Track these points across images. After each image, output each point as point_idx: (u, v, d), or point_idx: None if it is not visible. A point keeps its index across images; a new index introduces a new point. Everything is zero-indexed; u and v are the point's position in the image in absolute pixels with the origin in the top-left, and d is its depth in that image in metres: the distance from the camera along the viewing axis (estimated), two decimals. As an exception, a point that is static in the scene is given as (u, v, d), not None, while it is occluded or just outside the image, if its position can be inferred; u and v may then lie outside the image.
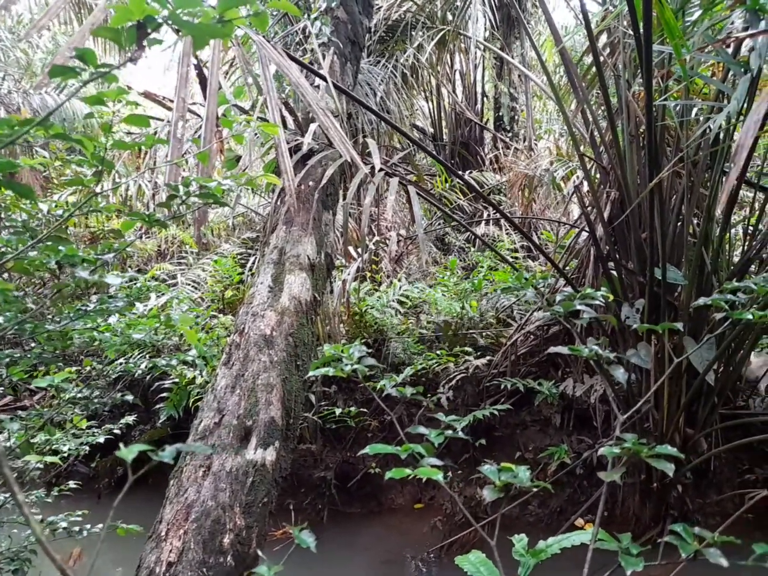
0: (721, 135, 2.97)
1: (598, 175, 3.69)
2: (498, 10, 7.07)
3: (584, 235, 3.79)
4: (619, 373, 1.25)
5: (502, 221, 5.80)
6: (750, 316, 1.10)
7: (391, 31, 6.70)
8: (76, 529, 2.00)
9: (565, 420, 3.25)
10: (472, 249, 5.50)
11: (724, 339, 2.63)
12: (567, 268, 3.90)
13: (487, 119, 8.16)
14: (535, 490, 1.14)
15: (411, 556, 2.77)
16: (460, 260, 5.47)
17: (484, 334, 3.85)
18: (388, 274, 4.87)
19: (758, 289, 1.14)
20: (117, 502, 0.66)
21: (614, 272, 3.29)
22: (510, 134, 7.48)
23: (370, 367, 1.60)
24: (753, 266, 3.25)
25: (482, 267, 4.37)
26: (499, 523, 1.77)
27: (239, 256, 5.17)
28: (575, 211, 5.61)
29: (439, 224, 6.03)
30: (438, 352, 3.54)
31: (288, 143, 3.27)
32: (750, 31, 1.75)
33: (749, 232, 3.22)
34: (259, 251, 3.06)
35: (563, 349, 1.26)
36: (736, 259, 3.45)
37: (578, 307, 1.31)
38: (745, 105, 2.96)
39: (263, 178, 2.11)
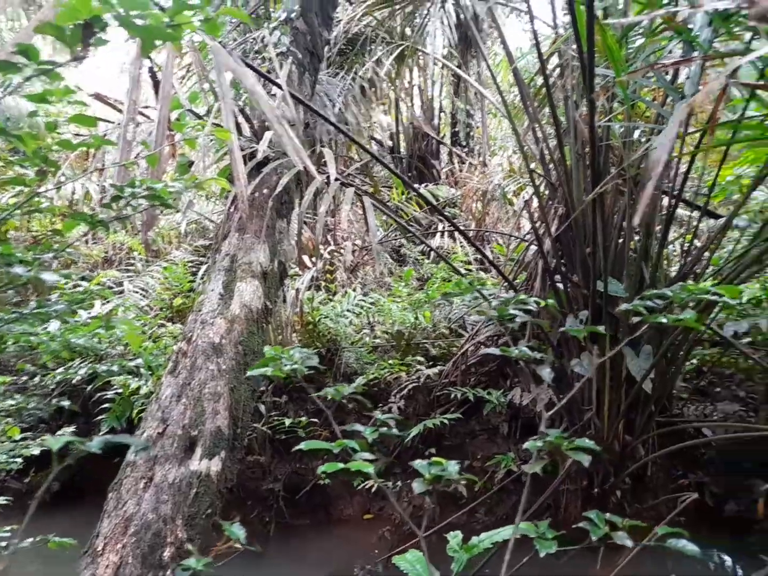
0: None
1: (547, 191, 3.81)
2: (456, 28, 7.25)
3: (533, 248, 3.91)
4: (545, 373, 1.31)
5: (456, 234, 5.91)
6: (664, 320, 1.17)
7: (350, 44, 6.77)
8: (3, 544, 1.90)
9: (512, 428, 3.32)
10: (427, 261, 5.58)
11: (660, 349, 2.77)
12: (517, 280, 4.00)
13: (444, 134, 8.33)
14: (482, 497, 1.17)
15: (359, 567, 2.76)
16: (416, 271, 5.53)
17: (436, 344, 3.90)
18: (343, 283, 4.87)
19: (674, 296, 1.21)
20: (41, 492, 0.64)
21: (561, 285, 3.41)
22: (466, 149, 7.66)
23: (322, 377, 1.60)
24: (689, 280, 3.42)
25: (436, 278, 4.44)
26: (447, 531, 1.79)
27: (191, 264, 5.07)
28: (526, 225, 5.77)
29: (395, 236, 6.09)
30: (391, 361, 3.56)
31: (243, 150, 3.25)
32: (678, 59, 1.87)
33: (685, 248, 3.40)
34: (210, 258, 3.01)
35: (495, 351, 1.31)
36: (673, 274, 3.62)
37: (512, 312, 1.35)
38: (682, 128, 3.15)
39: (216, 183, 2.09)
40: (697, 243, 3.51)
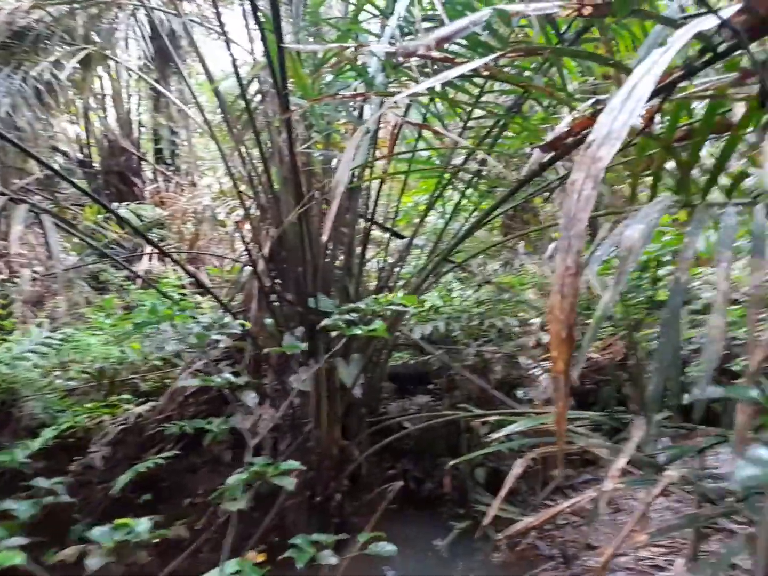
0: (354, 183, 3.51)
1: (258, 213, 3.86)
2: (152, 40, 6.83)
3: (249, 269, 3.91)
4: (250, 398, 1.30)
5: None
6: (359, 332, 1.29)
7: (18, 38, 5.74)
8: None
9: (236, 455, 3.22)
10: (134, 287, 5.06)
11: (366, 356, 3.07)
12: (234, 302, 3.94)
13: (147, 151, 7.74)
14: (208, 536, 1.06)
15: None
16: (121, 300, 4.94)
17: (147, 378, 3.54)
18: (24, 319, 4.04)
19: (366, 309, 1.35)
20: None
21: (277, 304, 3.49)
22: (172, 168, 7.25)
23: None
24: (385, 292, 3.88)
25: (144, 306, 4.04)
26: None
27: None
28: (241, 246, 5.76)
29: (93, 260, 5.35)
30: (90, 405, 3.07)
31: None
32: (354, 93, 2.12)
33: (380, 265, 3.87)
34: None
35: (194, 381, 1.24)
36: (372, 288, 4.06)
37: (214, 337, 1.30)
38: (370, 157, 3.58)
39: None
40: (390, 260, 4.02)
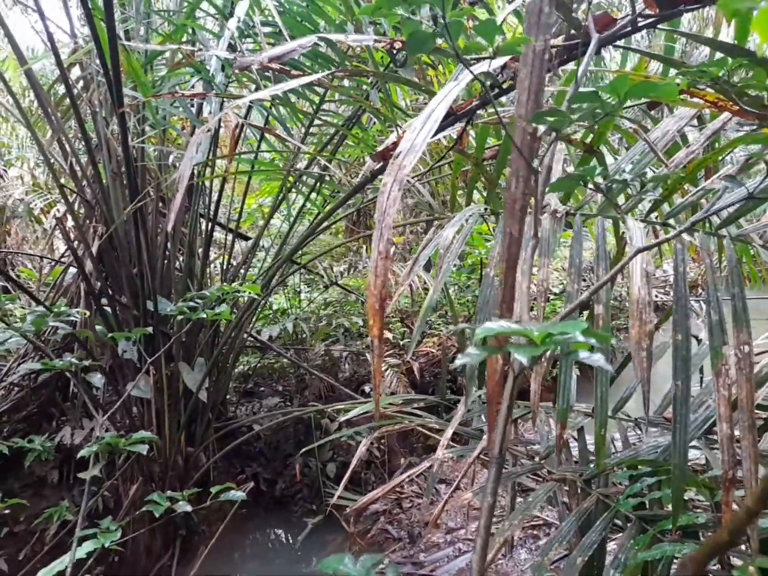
0: (195, 180, 3.41)
1: (83, 209, 3.56)
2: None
3: (73, 271, 3.59)
4: (96, 379, 1.26)
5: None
6: (204, 315, 1.32)
7: None
8: None
9: (64, 474, 2.93)
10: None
11: (211, 359, 2.99)
12: (55, 307, 3.56)
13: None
14: None
15: None
16: None
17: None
18: None
19: (212, 295, 1.38)
20: None
21: (108, 308, 3.24)
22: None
23: None
24: (229, 294, 3.81)
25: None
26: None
27: None
28: (61, 246, 5.20)
29: None
30: None
31: None
32: (195, 92, 2.09)
33: (224, 267, 3.79)
34: None
35: (35, 365, 1.17)
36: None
37: (52, 324, 1.24)
38: (210, 155, 3.49)
39: None
40: (234, 262, 3.95)
